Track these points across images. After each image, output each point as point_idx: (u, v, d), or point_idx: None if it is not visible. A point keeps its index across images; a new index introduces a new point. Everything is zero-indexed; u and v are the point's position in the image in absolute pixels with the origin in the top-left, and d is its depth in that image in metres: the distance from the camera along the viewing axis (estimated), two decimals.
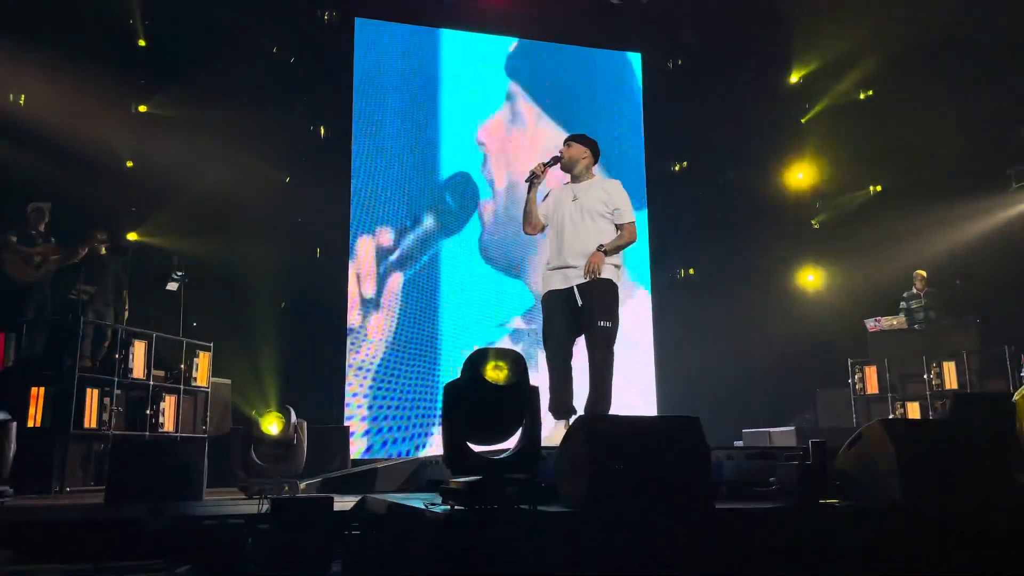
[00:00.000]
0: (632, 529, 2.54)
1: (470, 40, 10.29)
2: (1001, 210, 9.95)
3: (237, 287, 8.53)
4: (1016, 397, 3.68)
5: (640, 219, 10.42)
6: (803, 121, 11.38)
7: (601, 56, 10.92)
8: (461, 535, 2.46)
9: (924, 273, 9.29)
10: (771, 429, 8.49)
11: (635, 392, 9.75)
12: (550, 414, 4.39)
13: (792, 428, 8.29)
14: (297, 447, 4.91)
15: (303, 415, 5.15)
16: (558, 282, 4.50)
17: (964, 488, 2.92)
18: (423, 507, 2.67)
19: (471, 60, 10.23)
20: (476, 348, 2.86)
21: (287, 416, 4.94)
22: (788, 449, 4.13)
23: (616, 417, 2.78)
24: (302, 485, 4.67)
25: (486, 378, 2.69)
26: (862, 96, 10.98)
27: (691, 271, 11.20)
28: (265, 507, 3.48)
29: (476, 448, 2.86)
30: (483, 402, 2.75)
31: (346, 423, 8.33)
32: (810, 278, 11.09)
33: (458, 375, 2.80)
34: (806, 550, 2.68)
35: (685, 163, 11.35)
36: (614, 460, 2.64)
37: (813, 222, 11.33)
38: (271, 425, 4.85)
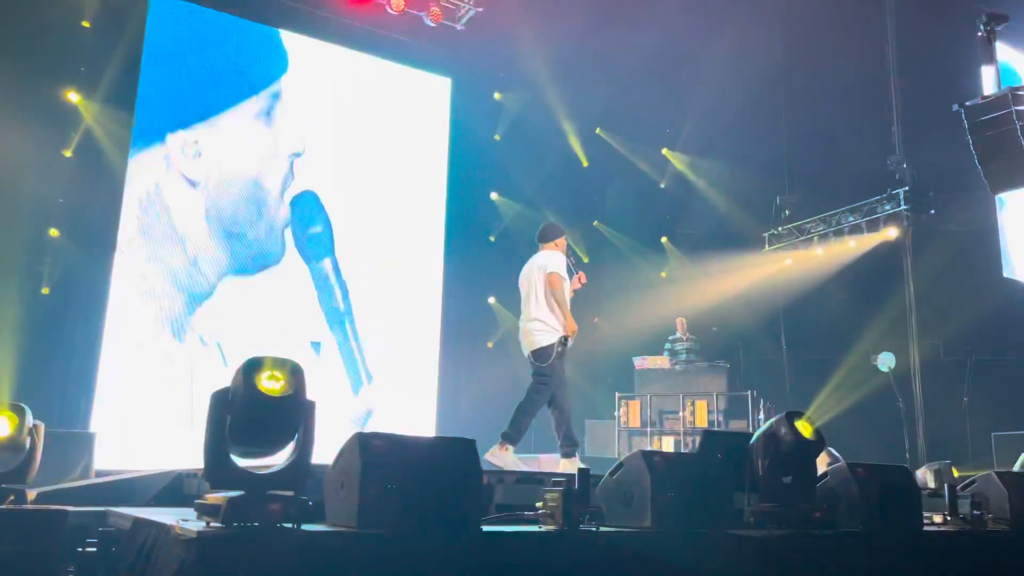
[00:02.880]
0: (398, 551, 2.49)
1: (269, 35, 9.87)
2: (753, 268, 11.16)
3: None
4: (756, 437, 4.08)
5: (439, 244, 10.56)
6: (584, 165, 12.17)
7: (410, 75, 10.95)
8: (215, 555, 2.28)
9: (684, 320, 10.16)
10: (541, 455, 8.81)
11: (415, 413, 9.73)
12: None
13: (560, 455, 8.63)
14: (29, 452, 4.34)
15: (43, 417, 4.58)
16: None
17: (706, 517, 3.19)
18: (173, 523, 2.45)
19: (271, 57, 9.82)
20: (251, 356, 2.68)
21: (21, 416, 4.36)
22: (554, 475, 4.29)
23: (391, 435, 2.73)
24: (32, 495, 4.13)
25: (259, 388, 2.54)
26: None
27: (493, 301, 11.47)
28: None
29: (241, 462, 2.68)
30: (254, 413, 2.58)
31: (92, 428, 7.54)
32: (584, 313, 11.73)
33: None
34: (566, 574, 2.78)
35: (497, 194, 11.65)
36: (386, 479, 2.59)
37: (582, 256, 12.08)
38: None
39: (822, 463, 4.15)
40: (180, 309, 8.61)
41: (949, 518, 4.13)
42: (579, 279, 6.03)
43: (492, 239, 11.42)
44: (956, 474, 6.47)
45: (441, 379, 10.27)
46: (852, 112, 11.43)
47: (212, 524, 2.42)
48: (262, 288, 9.19)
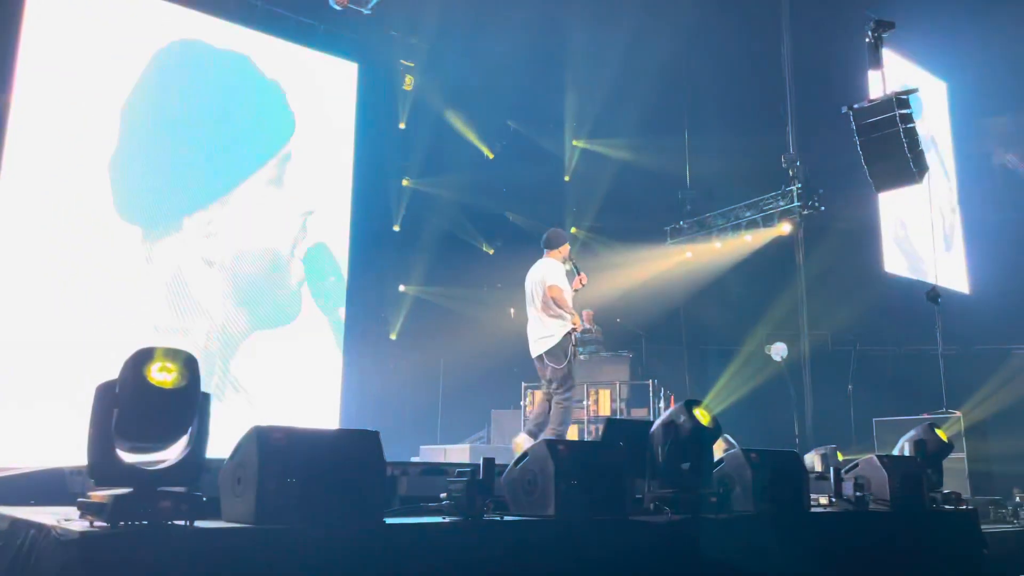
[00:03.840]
0: (298, 546, 2.43)
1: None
2: (655, 261, 11.46)
3: None
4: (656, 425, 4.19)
5: (344, 233, 10.37)
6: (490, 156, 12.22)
7: (315, 59, 10.66)
8: (100, 556, 2.17)
9: (591, 312, 10.33)
10: (447, 446, 8.81)
11: (319, 406, 9.54)
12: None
13: (467, 446, 8.67)
14: None
15: None
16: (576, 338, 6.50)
17: (608, 503, 3.25)
18: (55, 523, 2.31)
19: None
20: (141, 347, 2.55)
21: None
22: (460, 465, 4.28)
23: (290, 428, 2.66)
24: None
25: (149, 380, 2.42)
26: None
27: (404, 288, 11.36)
28: None
29: (129, 457, 2.55)
30: (143, 406, 2.46)
31: None
32: (491, 304, 11.79)
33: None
34: (470, 564, 2.78)
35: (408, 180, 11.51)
36: (286, 473, 2.52)
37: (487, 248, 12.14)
38: None
39: (718, 449, 4.29)
40: None
41: (834, 499, 4.36)
42: (580, 280, 6.54)
43: (396, 228, 11.30)
44: (841, 458, 6.84)
45: (346, 371, 10.10)
46: (750, 111, 11.88)
47: (96, 523, 2.30)
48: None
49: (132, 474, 2.47)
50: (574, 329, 6.36)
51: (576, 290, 6.54)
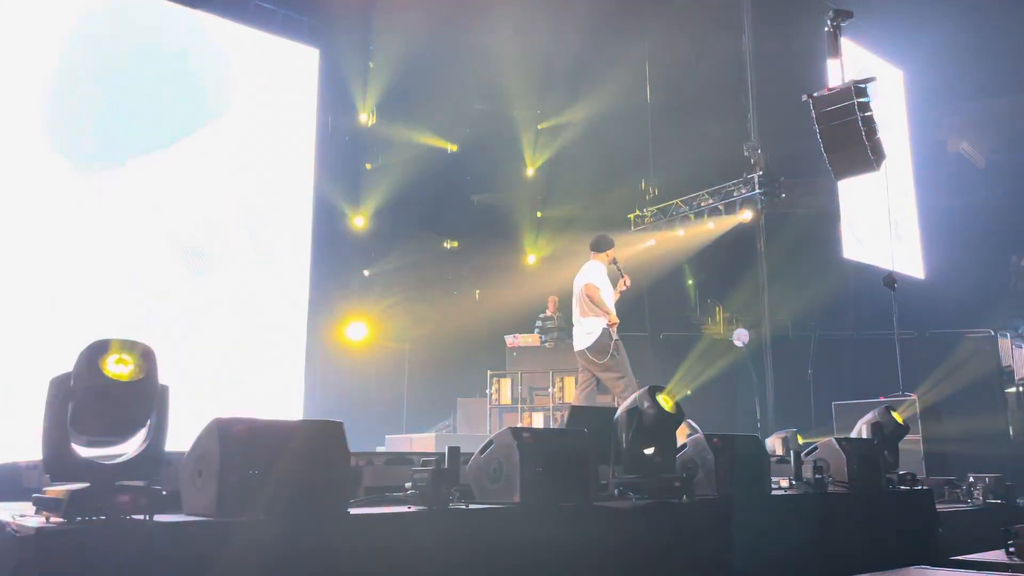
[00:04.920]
0: (260, 538, 2.41)
1: None
2: (619, 248, 11.48)
3: None
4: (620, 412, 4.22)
5: (307, 222, 10.24)
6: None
7: (276, 44, 10.49)
8: (56, 552, 2.12)
9: (556, 299, 10.36)
10: (413, 435, 8.79)
11: (282, 397, 9.44)
12: None
13: (432, 434, 8.66)
14: None
15: None
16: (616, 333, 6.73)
17: (572, 490, 3.27)
18: (10, 519, 2.26)
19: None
20: (96, 339, 2.49)
21: None
22: (425, 454, 4.27)
23: (252, 420, 2.62)
24: None
25: (105, 373, 2.37)
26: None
27: (368, 272, 11.27)
28: None
29: (86, 452, 2.50)
30: (99, 399, 2.41)
31: None
32: (455, 293, 11.77)
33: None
34: (435, 553, 2.78)
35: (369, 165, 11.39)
36: (247, 465, 2.49)
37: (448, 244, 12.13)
38: None
39: (682, 435, 4.34)
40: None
41: (794, 482, 4.43)
42: (624, 282, 6.98)
43: (361, 220, 11.18)
44: (801, 441, 6.96)
45: (308, 364, 10.00)
46: (713, 99, 11.97)
47: (53, 519, 2.25)
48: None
49: (89, 468, 2.42)
50: (610, 327, 6.71)
51: (621, 292, 6.96)
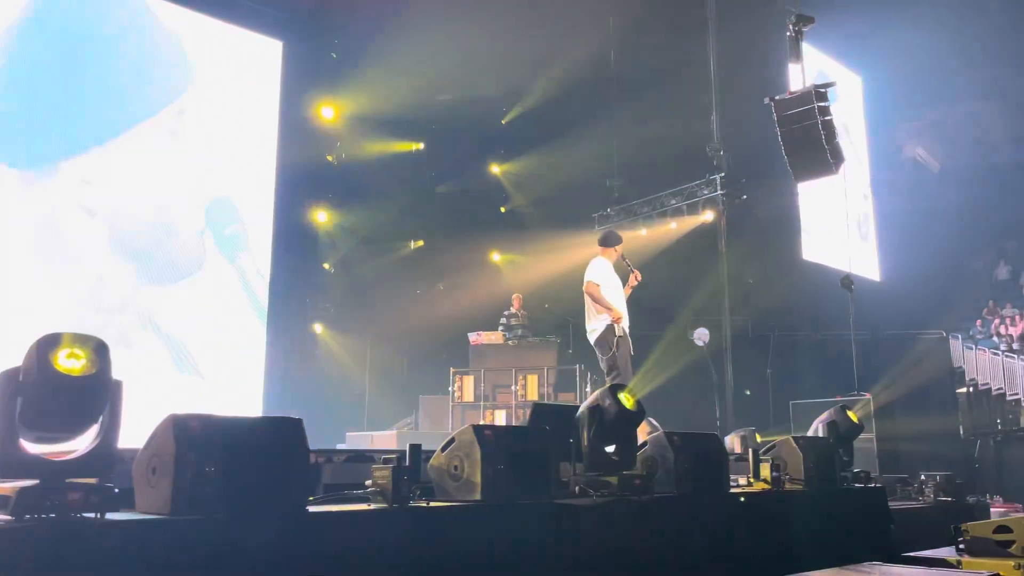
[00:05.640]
0: (216, 536, 2.37)
1: None
2: (583, 248, 11.53)
3: None
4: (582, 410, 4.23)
5: (268, 217, 10.10)
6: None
7: (239, 36, 10.33)
8: (4, 550, 2.06)
9: (520, 296, 10.36)
10: (374, 432, 8.73)
11: (241, 392, 9.31)
12: None
13: (394, 432, 8.61)
14: None
15: None
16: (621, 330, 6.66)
17: (534, 487, 3.27)
18: None
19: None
20: (47, 333, 2.42)
21: None
22: (387, 452, 4.24)
23: (208, 416, 2.57)
24: None
25: (56, 367, 2.30)
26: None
27: (328, 266, 11.15)
28: None
29: (35, 448, 2.43)
30: (50, 395, 2.34)
31: None
32: (417, 291, 11.72)
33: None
34: (395, 551, 2.76)
35: (331, 156, 11.26)
36: (203, 462, 2.44)
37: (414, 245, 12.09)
38: None
39: (642, 432, 4.37)
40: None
41: (752, 480, 4.49)
42: (635, 277, 6.92)
43: (323, 214, 11.06)
44: (759, 439, 7.06)
45: (268, 359, 9.87)
46: (676, 100, 12.06)
47: (0, 517, 2.18)
48: None
49: (38, 465, 2.35)
50: (614, 324, 6.66)
51: (632, 287, 6.92)
